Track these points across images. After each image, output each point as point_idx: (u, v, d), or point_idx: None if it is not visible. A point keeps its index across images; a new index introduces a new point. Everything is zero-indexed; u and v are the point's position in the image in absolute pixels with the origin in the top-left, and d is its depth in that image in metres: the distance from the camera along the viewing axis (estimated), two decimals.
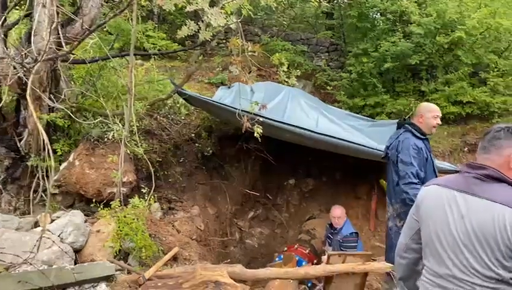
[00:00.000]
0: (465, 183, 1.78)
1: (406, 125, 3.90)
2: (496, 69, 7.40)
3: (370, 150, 5.55)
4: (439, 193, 1.86)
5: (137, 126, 5.15)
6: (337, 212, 5.36)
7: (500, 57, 7.58)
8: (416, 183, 3.66)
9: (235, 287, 3.16)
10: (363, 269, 3.60)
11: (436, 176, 3.78)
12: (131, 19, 4.52)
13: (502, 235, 1.61)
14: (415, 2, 7.56)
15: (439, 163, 5.69)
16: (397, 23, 7.83)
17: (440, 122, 3.90)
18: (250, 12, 5.09)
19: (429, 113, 3.85)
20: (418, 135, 3.80)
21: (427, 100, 7.54)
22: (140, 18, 8.28)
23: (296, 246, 5.81)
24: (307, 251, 5.70)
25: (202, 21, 4.88)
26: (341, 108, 7.90)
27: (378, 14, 8.57)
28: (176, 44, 8.14)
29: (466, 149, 6.98)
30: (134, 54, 4.79)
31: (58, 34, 4.37)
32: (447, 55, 7.46)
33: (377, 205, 6.67)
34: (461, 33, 6.94)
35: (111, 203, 4.38)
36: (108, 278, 3.67)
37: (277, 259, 5.43)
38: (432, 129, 3.89)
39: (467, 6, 7.24)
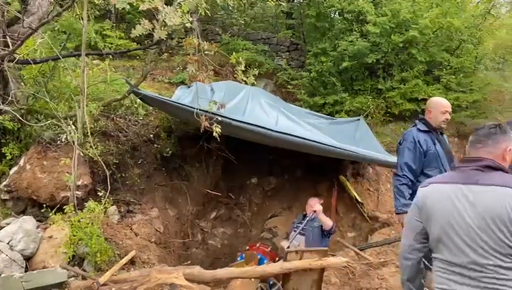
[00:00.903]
0: (467, 175, 1.90)
1: (416, 120, 3.94)
2: (448, 67, 7.69)
3: (329, 148, 5.63)
4: (441, 189, 1.96)
5: (91, 128, 5.02)
6: (313, 202, 5.52)
7: (452, 55, 7.88)
8: (400, 176, 3.76)
9: (190, 289, 3.13)
10: (320, 265, 3.65)
11: (443, 170, 3.67)
12: (83, 18, 4.38)
13: (510, 213, 1.74)
14: (371, 2, 7.73)
15: (395, 159, 5.84)
16: (354, 23, 7.99)
17: (449, 117, 3.79)
18: (209, 11, 5.06)
19: (437, 108, 3.81)
20: (423, 128, 3.80)
21: (384, 98, 7.77)
22: (94, 17, 8.10)
23: (258, 244, 5.82)
24: (269, 249, 5.71)
25: (157, 20, 4.82)
26: (302, 106, 7.98)
27: (337, 14, 8.71)
28: (135, 43, 7.99)
29: None
30: (87, 54, 4.67)
31: (4, 33, 4.20)
32: (402, 54, 7.67)
33: (337, 201, 6.77)
34: (415, 32, 7.16)
35: (65, 207, 4.25)
36: (60, 285, 3.57)
37: (239, 258, 5.41)
38: (441, 124, 3.80)
39: (420, 6, 7.48)
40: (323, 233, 5.28)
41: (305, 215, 5.47)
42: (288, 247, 4.89)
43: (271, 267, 3.68)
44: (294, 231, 5.39)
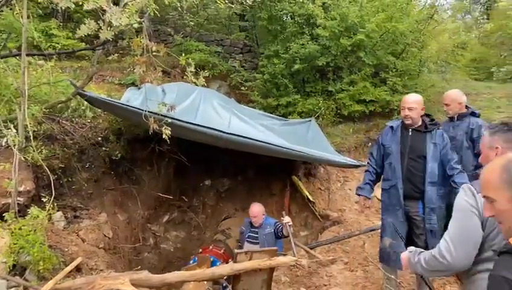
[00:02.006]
0: None
1: None
2: (394, 70, 8.00)
3: (281, 149, 5.70)
4: None
5: (35, 131, 4.83)
6: (254, 211, 5.31)
7: (398, 58, 8.21)
8: (365, 171, 4.20)
9: None
10: (269, 265, 3.69)
11: (393, 167, 3.86)
12: (22, 16, 4.20)
13: None
14: (321, 6, 7.91)
15: (344, 159, 6.02)
16: (305, 26, 8.14)
17: (407, 113, 3.80)
18: (158, 12, 5.00)
19: (401, 105, 3.96)
20: (395, 125, 3.98)
21: (335, 100, 7.98)
22: (40, 16, 7.78)
23: (211, 247, 5.81)
24: (222, 250, 5.71)
25: (103, 20, 4.72)
26: (256, 108, 8.04)
27: (288, 17, 8.84)
28: (83, 44, 7.74)
29: (370, 144, 7.46)
30: (28, 54, 4.48)
31: None
32: (350, 57, 7.91)
33: (290, 201, 6.88)
34: (362, 36, 7.40)
35: (4, 215, 4.05)
36: None
37: (192, 261, 5.37)
38: (405, 120, 3.87)
39: (367, 11, 7.74)
40: (277, 236, 5.25)
41: (251, 223, 5.35)
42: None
43: (221, 269, 3.68)
44: (247, 241, 5.32)
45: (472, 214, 1.88)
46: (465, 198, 1.91)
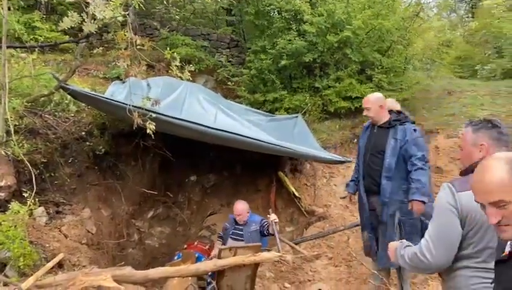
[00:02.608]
0: None
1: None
2: (380, 67, 8.05)
3: (267, 145, 5.70)
4: None
5: (16, 125, 4.74)
6: (238, 209, 5.15)
7: (384, 56, 8.27)
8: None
9: None
10: (253, 260, 3.68)
11: (359, 162, 4.10)
12: (2, 7, 4.10)
13: None
14: (308, 1, 7.91)
15: (329, 155, 6.05)
16: (292, 22, 8.15)
17: (365, 113, 3.99)
18: (143, 5, 4.94)
19: None
20: (368, 124, 4.13)
21: (321, 96, 8.00)
22: (21, 7, 7.62)
23: (196, 242, 5.79)
24: (207, 246, 5.69)
25: (86, 13, 4.64)
26: (242, 103, 8.02)
27: (276, 12, 8.82)
28: (67, 36, 7.61)
29: (355, 141, 7.50)
30: (8, 46, 4.38)
31: None
32: (337, 53, 7.93)
33: (276, 197, 6.89)
34: (349, 32, 7.43)
35: None
36: None
37: (176, 257, 5.34)
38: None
39: (353, 8, 7.76)
40: (262, 234, 5.08)
41: (235, 220, 5.20)
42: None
43: (205, 265, 3.67)
44: (231, 237, 5.16)
45: (451, 213, 1.88)
46: (444, 197, 1.92)
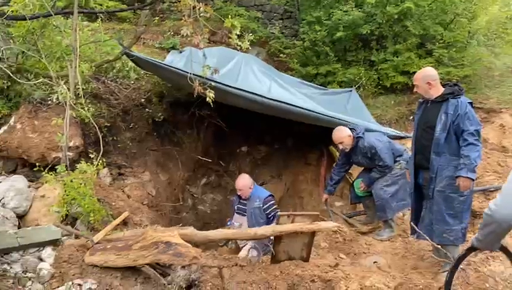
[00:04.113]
0: None
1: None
2: (441, 41, 7.69)
3: (321, 116, 5.66)
4: None
5: (83, 89, 4.94)
6: (239, 185, 5.02)
7: (446, 29, 7.87)
8: None
9: (186, 247, 3.18)
10: (311, 229, 3.72)
11: (414, 136, 4.05)
12: None
13: None
14: None
15: (388, 130, 5.94)
16: None
17: (415, 90, 3.95)
18: None
19: None
20: (420, 100, 4.06)
21: (377, 70, 7.79)
22: None
23: None
24: None
25: None
26: (294, 76, 7.95)
27: None
28: (125, 6, 7.78)
29: (412, 117, 7.29)
30: (79, 12, 4.54)
31: None
32: (396, 26, 7.64)
33: (326, 171, 6.86)
34: (410, 4, 7.12)
35: (56, 167, 4.23)
36: (54, 243, 3.58)
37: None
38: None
39: None
40: (268, 216, 4.91)
41: (239, 197, 5.13)
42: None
43: (263, 230, 3.74)
44: (236, 212, 5.17)
45: None
46: None
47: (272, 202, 4.99)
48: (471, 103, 3.77)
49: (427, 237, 3.66)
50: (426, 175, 3.86)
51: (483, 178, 5.19)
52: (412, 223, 3.98)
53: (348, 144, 4.87)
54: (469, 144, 3.56)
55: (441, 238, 3.70)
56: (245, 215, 5.00)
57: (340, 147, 4.93)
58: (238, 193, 5.05)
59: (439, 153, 3.71)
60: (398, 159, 4.83)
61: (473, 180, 3.56)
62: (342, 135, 4.92)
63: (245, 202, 5.01)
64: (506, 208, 1.85)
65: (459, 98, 3.71)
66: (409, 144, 4.91)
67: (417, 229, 3.80)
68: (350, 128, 5.00)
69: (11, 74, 4.21)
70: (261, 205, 4.87)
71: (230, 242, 4.97)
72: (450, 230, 3.68)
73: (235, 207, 5.19)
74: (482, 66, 8.14)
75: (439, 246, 3.61)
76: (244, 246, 4.78)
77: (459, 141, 3.65)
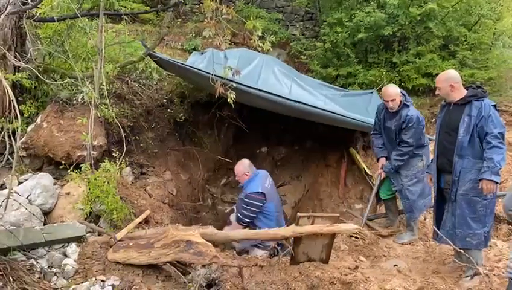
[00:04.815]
0: None
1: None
2: (465, 42, 7.57)
3: (342, 118, 5.65)
4: None
5: (107, 89, 5.04)
6: (235, 169, 4.88)
7: (470, 31, 7.73)
8: None
9: (206, 246, 3.22)
10: (331, 230, 3.71)
11: (436, 139, 4.05)
12: None
13: None
14: None
15: None
16: None
17: (437, 92, 3.94)
18: None
19: None
20: (443, 102, 4.06)
21: (398, 72, 7.70)
22: None
23: None
24: None
25: None
26: (314, 77, 7.94)
27: None
28: (148, 7, 7.92)
29: (434, 120, 7.18)
30: (104, 14, 4.65)
31: None
32: (419, 27, 7.54)
33: (346, 173, 6.82)
34: (433, 5, 7.03)
35: (81, 166, 4.34)
36: (78, 239, 3.67)
37: None
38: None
39: None
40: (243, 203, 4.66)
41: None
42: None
43: (283, 231, 3.75)
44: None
45: None
46: None
47: (249, 201, 4.53)
48: (495, 106, 3.71)
49: (449, 241, 3.62)
50: (448, 178, 3.82)
51: (508, 182, 5.09)
52: (434, 226, 3.94)
53: (397, 104, 4.65)
54: (493, 146, 3.51)
55: (463, 242, 3.65)
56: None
57: (390, 104, 4.63)
58: (236, 178, 4.92)
59: (462, 155, 3.67)
60: (418, 152, 4.73)
61: (497, 183, 3.50)
62: (397, 92, 4.67)
63: (239, 188, 4.91)
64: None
65: (483, 100, 3.66)
66: (431, 146, 4.85)
67: (439, 233, 3.76)
68: None
69: (38, 74, 4.33)
70: (243, 198, 4.64)
71: None
72: (473, 234, 3.63)
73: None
74: (507, 68, 7.97)
75: (462, 251, 3.56)
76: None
77: (482, 143, 3.60)
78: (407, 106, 4.69)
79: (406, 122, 4.58)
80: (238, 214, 4.63)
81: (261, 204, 4.55)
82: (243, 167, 4.82)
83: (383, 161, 4.90)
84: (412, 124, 4.57)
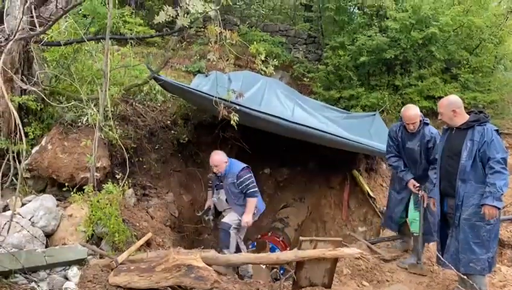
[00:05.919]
0: None
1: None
2: (467, 66, 7.65)
3: (344, 140, 5.66)
4: None
5: (112, 111, 5.11)
6: (214, 160, 4.90)
7: (472, 54, 7.83)
8: None
9: (208, 271, 3.20)
10: (334, 255, 3.69)
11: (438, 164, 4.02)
12: (108, 2, 4.44)
13: None
14: None
15: None
16: (374, 18, 7.97)
17: (439, 117, 3.94)
18: (229, 1, 5.10)
19: None
20: (444, 126, 4.06)
21: (401, 94, 7.77)
22: (117, 2, 8.17)
23: (269, 233, 5.90)
24: (280, 238, 5.79)
25: (180, 7, 4.87)
26: (317, 100, 8.00)
27: (356, 8, 8.68)
28: (153, 30, 8.06)
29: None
30: (110, 38, 4.73)
31: (32, 14, 4.28)
32: (421, 51, 7.64)
33: (349, 195, 6.80)
34: (435, 29, 7.14)
35: (84, 187, 4.35)
36: (80, 262, 3.66)
37: (250, 246, 5.49)
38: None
39: (441, 3, 7.43)
40: (243, 192, 4.85)
41: (215, 173, 5.00)
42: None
43: (285, 255, 3.74)
44: (216, 189, 5.12)
45: None
46: None
47: (246, 176, 4.78)
48: (497, 130, 3.72)
49: (453, 267, 3.58)
50: (452, 202, 3.80)
51: (511, 206, 5.05)
52: (437, 252, 3.90)
53: (417, 125, 4.53)
54: (495, 171, 3.51)
55: (467, 267, 3.61)
56: (222, 190, 5.01)
57: (411, 127, 4.51)
58: (214, 170, 4.94)
59: (465, 180, 3.66)
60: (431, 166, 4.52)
61: (499, 209, 3.48)
62: (418, 113, 4.56)
63: (222, 178, 4.93)
64: None
65: (485, 125, 3.67)
66: None
67: (442, 259, 3.72)
68: None
69: (44, 97, 4.39)
70: (235, 181, 4.76)
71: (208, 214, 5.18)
72: (477, 259, 3.59)
73: (215, 184, 5.11)
74: (509, 91, 8.03)
75: (465, 277, 3.52)
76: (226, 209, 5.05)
77: (485, 168, 3.60)
78: (427, 124, 4.63)
79: (433, 140, 4.48)
80: (249, 192, 4.80)
81: (251, 176, 4.87)
82: (222, 156, 4.96)
83: (414, 182, 4.62)
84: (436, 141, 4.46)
